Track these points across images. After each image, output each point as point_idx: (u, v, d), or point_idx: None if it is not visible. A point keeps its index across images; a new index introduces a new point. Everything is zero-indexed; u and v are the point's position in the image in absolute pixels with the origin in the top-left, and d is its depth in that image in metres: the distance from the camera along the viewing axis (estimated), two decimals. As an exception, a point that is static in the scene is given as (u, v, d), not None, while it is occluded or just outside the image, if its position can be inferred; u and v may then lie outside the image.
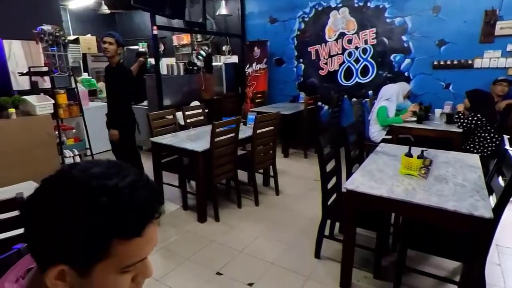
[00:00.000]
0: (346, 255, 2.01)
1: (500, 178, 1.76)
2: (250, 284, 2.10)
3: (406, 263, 2.00)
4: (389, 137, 3.77)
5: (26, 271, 0.62)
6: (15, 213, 1.19)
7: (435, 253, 1.97)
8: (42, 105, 2.89)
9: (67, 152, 3.61)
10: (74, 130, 3.49)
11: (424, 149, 2.22)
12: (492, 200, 1.72)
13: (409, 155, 2.05)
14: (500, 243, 2.49)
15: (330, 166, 2.34)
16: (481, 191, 1.76)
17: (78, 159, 3.65)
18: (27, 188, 1.53)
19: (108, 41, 2.91)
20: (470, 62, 4.18)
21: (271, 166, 3.48)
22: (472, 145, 3.22)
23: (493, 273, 2.16)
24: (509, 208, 1.60)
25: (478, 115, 3.13)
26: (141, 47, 6.92)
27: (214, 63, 5.55)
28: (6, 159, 2.60)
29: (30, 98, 2.95)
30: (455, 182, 1.89)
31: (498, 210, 1.57)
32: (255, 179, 3.24)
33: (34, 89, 3.53)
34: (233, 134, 2.94)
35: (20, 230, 1.23)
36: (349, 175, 2.42)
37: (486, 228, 1.55)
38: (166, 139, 3.03)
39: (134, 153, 3.32)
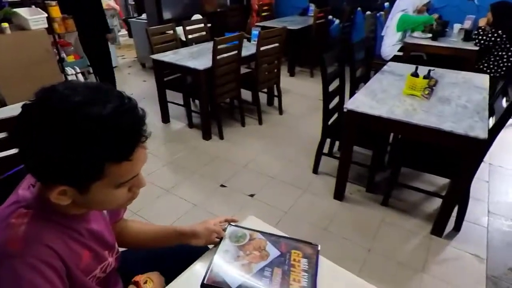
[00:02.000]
0: (341, 170, 2.13)
1: (504, 100, 1.73)
2: (252, 195, 2.29)
3: (399, 180, 2.12)
4: (401, 53, 3.60)
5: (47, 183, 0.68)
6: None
7: (427, 171, 2.08)
8: (35, 18, 2.73)
9: (69, 70, 3.55)
10: (72, 47, 3.37)
11: (431, 68, 2.15)
12: (492, 121, 1.72)
13: (415, 74, 1.99)
14: (493, 162, 2.59)
15: (335, 85, 2.31)
16: (482, 112, 1.76)
17: (81, 77, 3.62)
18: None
19: None
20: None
21: (275, 85, 3.44)
22: (486, 65, 3.08)
23: (480, 189, 2.29)
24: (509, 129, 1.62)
25: (499, 32, 2.92)
26: None
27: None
28: (8, 76, 2.60)
29: (22, 11, 2.78)
30: (457, 103, 1.88)
31: (495, 131, 1.59)
32: (258, 98, 3.24)
33: (25, 0, 3.31)
34: (236, 52, 2.83)
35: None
36: (353, 94, 2.40)
37: (479, 148, 1.60)
38: (167, 57, 2.95)
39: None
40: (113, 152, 0.56)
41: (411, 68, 2.19)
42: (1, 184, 0.85)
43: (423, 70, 2.07)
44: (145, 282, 0.78)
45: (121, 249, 0.88)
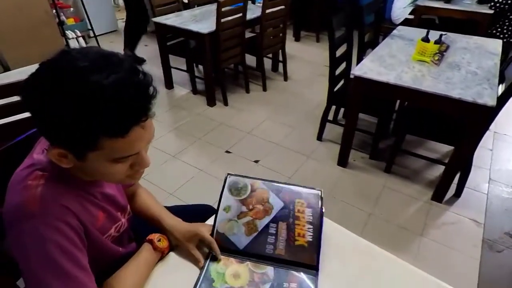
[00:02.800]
0: (346, 137, 2.14)
1: (515, 66, 1.69)
2: (256, 161, 2.33)
3: (403, 147, 2.13)
4: (412, 17, 3.46)
5: (50, 144, 0.70)
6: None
7: (432, 138, 2.08)
8: (31, -22, 2.64)
9: (70, 33, 3.48)
10: (71, 9, 3.27)
11: (443, 33, 2.07)
12: (501, 88, 1.70)
13: (426, 39, 1.93)
14: (498, 130, 2.58)
15: (342, 51, 2.25)
16: (492, 79, 1.73)
17: (81, 41, 3.55)
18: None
19: None
20: None
21: (280, 51, 3.35)
22: (500, 29, 2.96)
23: (483, 157, 2.31)
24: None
25: (517, -7, 2.77)
26: None
27: None
28: (9, 39, 2.55)
29: (17, -30, 2.68)
30: (467, 70, 1.84)
31: (503, 99, 1.57)
32: (263, 64, 3.17)
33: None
34: (240, 14, 2.74)
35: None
36: (360, 60, 2.35)
37: (486, 116, 1.59)
38: (169, 20, 2.85)
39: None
40: (106, 126, 0.54)
41: (421, 32, 2.12)
42: (12, 149, 0.87)
43: (434, 34, 2.01)
44: (159, 240, 0.82)
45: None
